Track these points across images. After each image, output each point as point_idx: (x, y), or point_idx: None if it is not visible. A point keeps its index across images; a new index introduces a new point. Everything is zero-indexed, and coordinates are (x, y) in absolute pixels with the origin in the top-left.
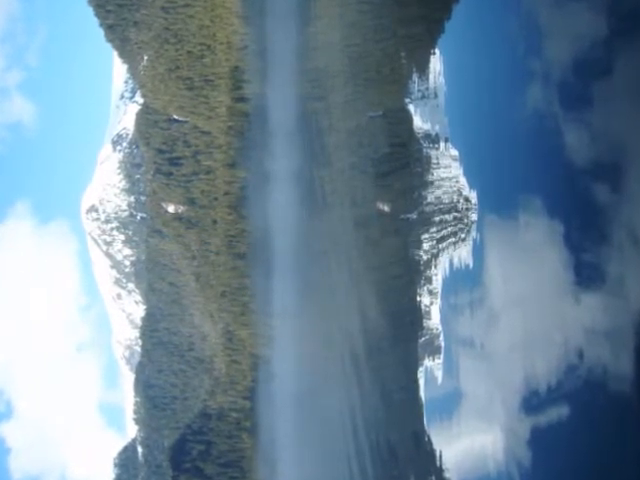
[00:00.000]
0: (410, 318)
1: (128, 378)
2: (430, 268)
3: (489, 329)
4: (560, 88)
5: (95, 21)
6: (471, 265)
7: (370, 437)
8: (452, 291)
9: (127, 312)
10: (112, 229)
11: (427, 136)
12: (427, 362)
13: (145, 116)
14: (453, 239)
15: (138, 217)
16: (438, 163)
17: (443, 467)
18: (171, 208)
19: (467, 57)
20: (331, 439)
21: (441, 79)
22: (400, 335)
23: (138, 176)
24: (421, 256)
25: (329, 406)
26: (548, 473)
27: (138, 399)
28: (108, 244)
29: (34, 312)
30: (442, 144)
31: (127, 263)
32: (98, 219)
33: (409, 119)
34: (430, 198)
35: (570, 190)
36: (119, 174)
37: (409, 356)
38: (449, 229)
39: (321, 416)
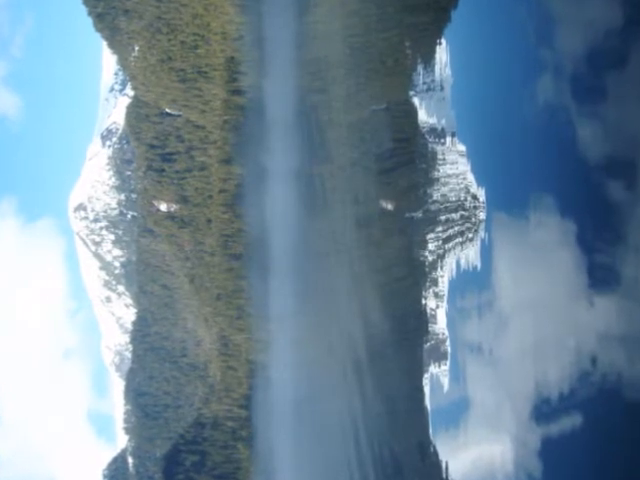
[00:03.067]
0: (415, 322)
1: (118, 385)
2: (436, 270)
3: (498, 334)
4: (572, 80)
5: (83, 9)
6: (479, 266)
7: (373, 447)
8: (459, 294)
9: (117, 316)
10: (101, 228)
11: (433, 131)
12: (433, 369)
13: (136, 110)
14: (460, 239)
15: (128, 216)
16: (444, 159)
17: (449, 479)
18: (163, 206)
19: (474, 47)
20: (332, 450)
21: (447, 71)
22: (404, 340)
23: (128, 173)
24: (426, 257)
25: (329, 415)
26: None
27: (129, 407)
28: (97, 244)
29: (19, 316)
30: (448, 139)
31: (117, 264)
32: (87, 218)
33: (414, 113)
34: (436, 196)
35: (583, 187)
36: (109, 171)
37: (414, 362)
38: (456, 228)
39: (321, 425)
